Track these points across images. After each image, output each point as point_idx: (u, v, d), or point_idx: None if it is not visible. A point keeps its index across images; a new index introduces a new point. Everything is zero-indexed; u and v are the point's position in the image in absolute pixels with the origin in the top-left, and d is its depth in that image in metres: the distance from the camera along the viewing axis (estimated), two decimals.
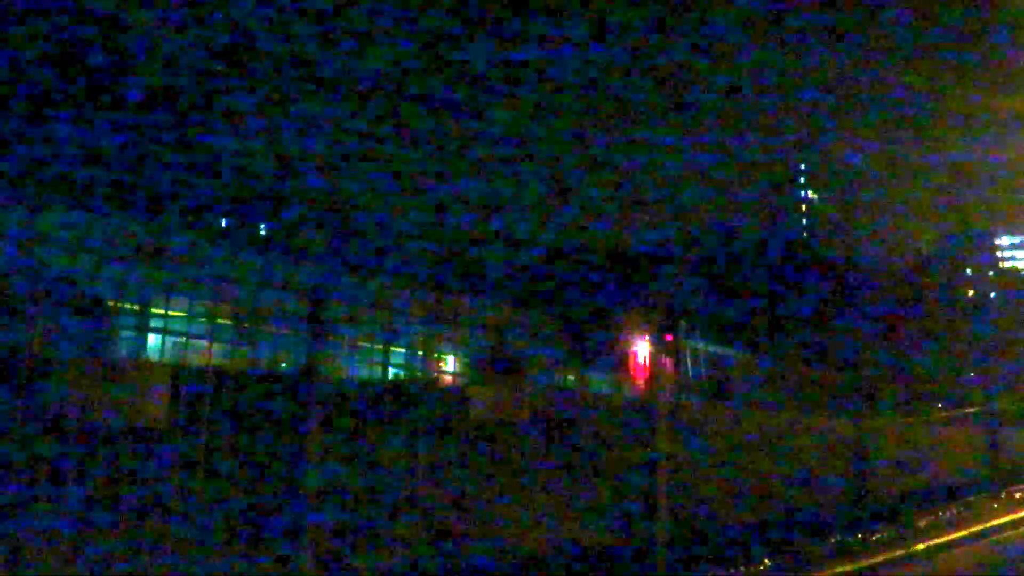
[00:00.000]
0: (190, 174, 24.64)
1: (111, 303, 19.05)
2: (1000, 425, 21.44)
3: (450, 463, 8.63)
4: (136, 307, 20.26)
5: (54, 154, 21.29)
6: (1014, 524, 15.26)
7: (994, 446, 20.28)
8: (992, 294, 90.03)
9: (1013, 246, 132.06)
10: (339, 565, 7.47)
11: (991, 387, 27.42)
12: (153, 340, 22.20)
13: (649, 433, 10.15)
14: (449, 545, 8.27)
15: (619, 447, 10.54)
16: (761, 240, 60.34)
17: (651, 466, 9.93)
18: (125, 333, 20.56)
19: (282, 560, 7.05)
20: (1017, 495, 18.57)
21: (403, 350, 26.33)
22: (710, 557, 10.14)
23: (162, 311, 21.69)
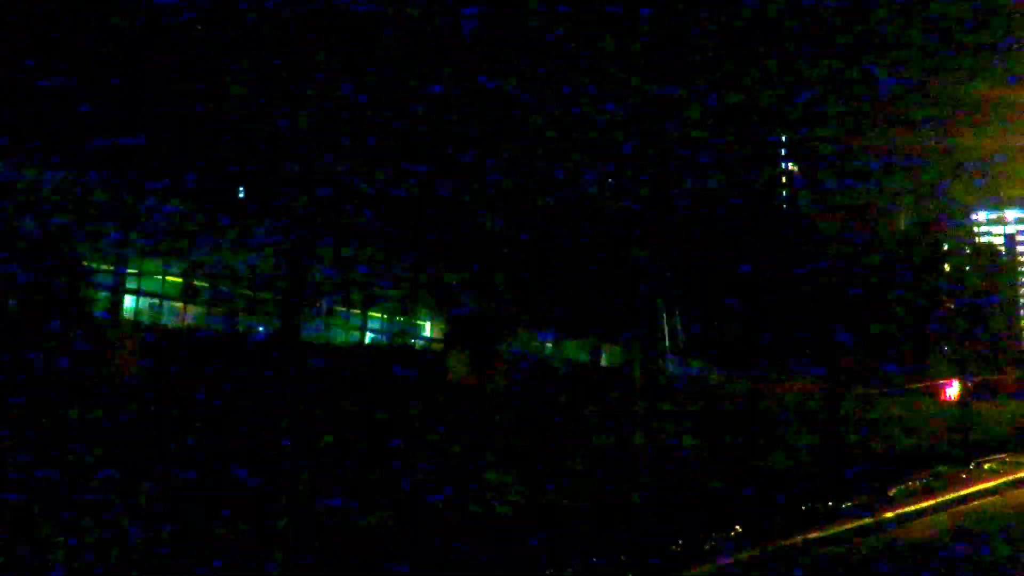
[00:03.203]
0: (167, 132, 24.25)
1: (86, 263, 18.83)
2: (971, 397, 21.73)
3: (428, 428, 8.63)
4: (111, 268, 20.01)
5: (25, 109, 20.85)
6: (983, 494, 15.49)
7: (965, 417, 20.56)
8: (968, 267, 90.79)
9: (990, 221, 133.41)
10: (318, 524, 7.46)
11: (966, 360, 27.76)
12: (129, 301, 21.99)
13: (625, 398, 10.16)
14: (427, 508, 8.28)
15: (597, 412, 10.56)
16: (739, 209, 59.99)
17: (629, 431, 9.96)
18: (101, 294, 20.35)
19: (262, 521, 7.01)
20: (986, 466, 18.85)
21: (381, 315, 26.21)
22: (686, 524, 10.20)
23: (136, 271, 21.46)
